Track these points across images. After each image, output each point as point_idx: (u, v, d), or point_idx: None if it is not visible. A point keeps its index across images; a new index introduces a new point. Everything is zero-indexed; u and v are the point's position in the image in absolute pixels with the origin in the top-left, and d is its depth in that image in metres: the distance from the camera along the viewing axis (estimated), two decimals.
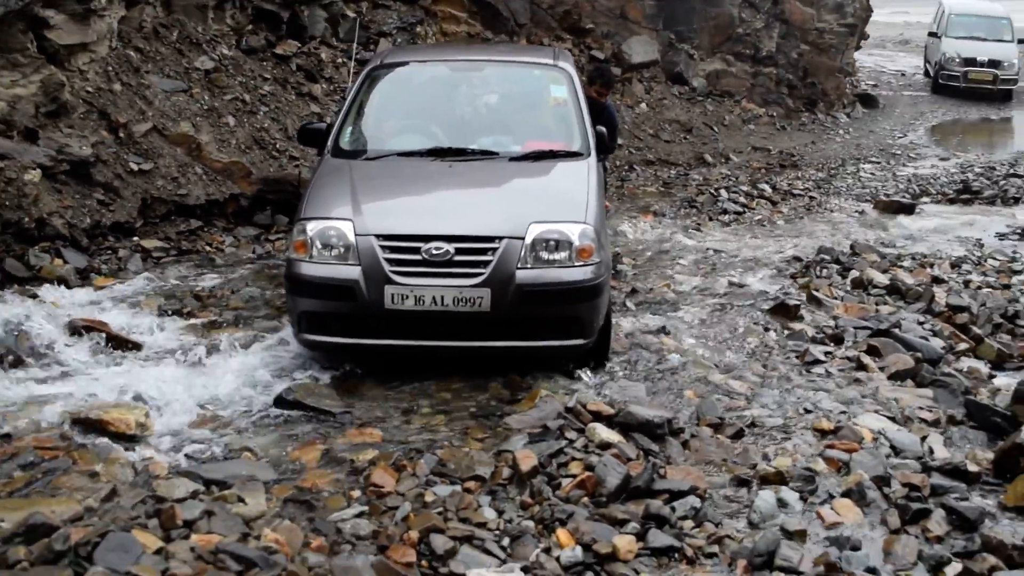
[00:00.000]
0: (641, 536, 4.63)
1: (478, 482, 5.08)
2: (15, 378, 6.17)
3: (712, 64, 19.85)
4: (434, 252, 6.14)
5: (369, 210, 6.48)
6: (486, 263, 6.16)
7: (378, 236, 6.24)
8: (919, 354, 7.14)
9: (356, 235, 6.27)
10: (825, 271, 9.63)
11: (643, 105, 17.56)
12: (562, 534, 4.60)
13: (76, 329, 6.87)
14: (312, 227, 6.41)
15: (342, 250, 6.28)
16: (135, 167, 9.72)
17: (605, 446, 5.39)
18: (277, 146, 11.24)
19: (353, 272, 6.19)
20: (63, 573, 3.87)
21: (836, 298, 8.68)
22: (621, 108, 16.69)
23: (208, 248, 9.58)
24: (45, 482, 4.82)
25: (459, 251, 6.16)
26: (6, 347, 6.44)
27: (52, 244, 8.47)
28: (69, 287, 7.91)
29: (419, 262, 6.16)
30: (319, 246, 6.34)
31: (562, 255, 6.29)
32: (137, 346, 6.88)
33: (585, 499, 4.94)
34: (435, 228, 6.26)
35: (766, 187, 14.21)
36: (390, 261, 6.16)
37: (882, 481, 5.22)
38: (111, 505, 4.56)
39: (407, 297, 6.10)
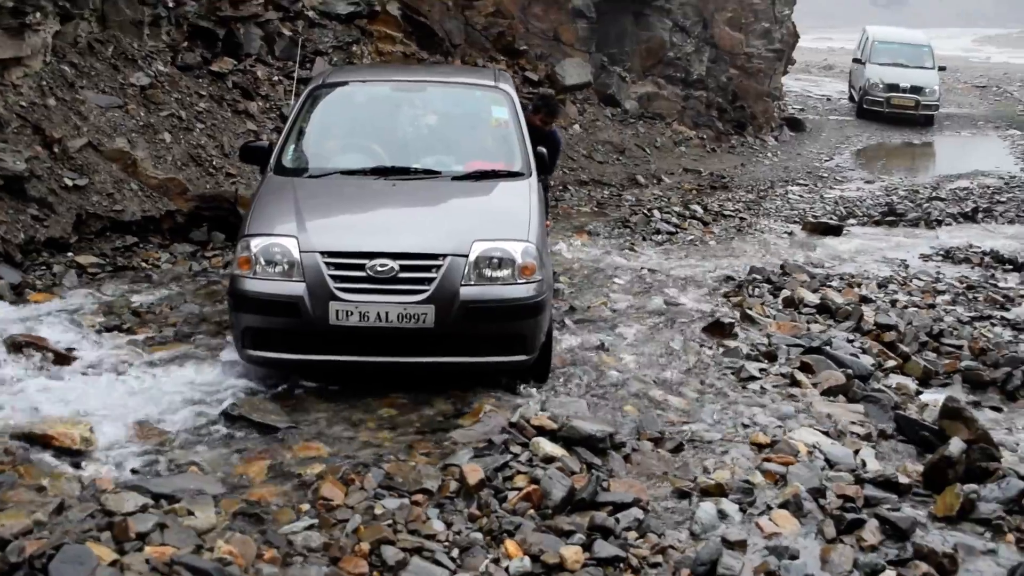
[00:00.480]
0: (587, 547, 4.73)
1: (426, 495, 5.15)
2: None
3: (644, 87, 20.15)
4: (379, 269, 6.18)
5: (314, 227, 6.49)
6: (430, 280, 6.21)
7: (323, 253, 6.25)
8: (850, 371, 7.35)
9: (301, 251, 6.28)
10: (757, 290, 9.84)
11: (576, 126, 17.76)
12: (510, 545, 4.69)
13: (14, 345, 6.80)
14: (256, 243, 6.40)
15: (286, 267, 6.29)
16: (70, 183, 9.63)
17: (549, 460, 5.48)
18: (213, 163, 11.20)
19: (298, 288, 6.21)
20: None
21: (769, 316, 8.88)
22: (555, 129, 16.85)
23: (144, 264, 9.52)
24: None
25: (404, 268, 6.21)
26: None
27: None
28: (3, 302, 7.82)
29: (364, 278, 6.19)
30: (263, 262, 6.33)
31: (505, 272, 6.36)
32: (76, 361, 6.83)
33: (531, 511, 5.03)
34: (380, 245, 6.30)
35: (698, 208, 14.46)
36: (335, 278, 6.19)
37: (818, 493, 5.39)
38: (61, 519, 4.55)
39: (352, 313, 6.14)
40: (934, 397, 7.14)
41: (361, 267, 6.20)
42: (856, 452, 6.01)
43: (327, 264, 6.21)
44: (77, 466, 5.29)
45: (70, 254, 9.22)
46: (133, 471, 5.32)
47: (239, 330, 6.43)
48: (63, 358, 6.82)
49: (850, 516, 5.12)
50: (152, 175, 10.44)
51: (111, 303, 8.23)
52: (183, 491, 4.97)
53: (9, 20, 9.73)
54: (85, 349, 7.10)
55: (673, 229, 13.05)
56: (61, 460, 5.30)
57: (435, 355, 6.33)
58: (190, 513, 4.72)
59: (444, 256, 6.26)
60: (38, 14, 10.11)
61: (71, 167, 9.80)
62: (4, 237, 8.65)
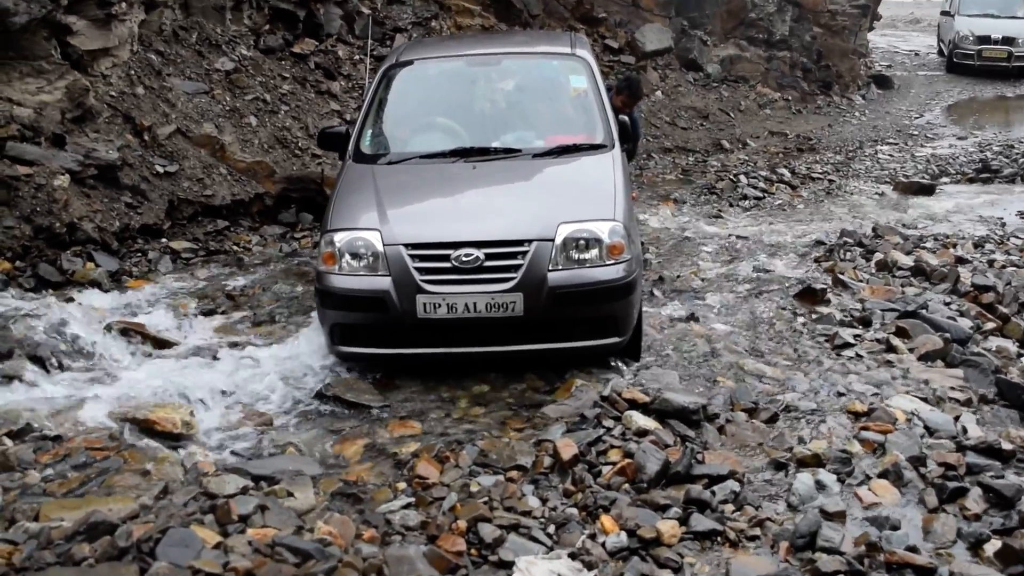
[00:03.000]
0: (683, 521, 4.71)
1: (520, 471, 5.17)
2: (59, 380, 6.28)
3: (726, 50, 19.88)
4: (464, 259, 6.10)
5: (396, 218, 6.44)
6: (517, 267, 6.12)
7: (407, 245, 6.20)
8: (947, 335, 7.19)
9: (384, 245, 6.23)
10: (849, 254, 9.66)
11: (658, 93, 17.58)
12: (606, 520, 4.69)
13: (114, 331, 6.97)
14: (340, 238, 6.38)
15: (371, 260, 6.25)
16: (161, 169, 9.82)
17: (642, 433, 5.46)
18: (299, 144, 11.33)
19: (383, 283, 6.17)
20: (128, 568, 3.97)
21: (861, 281, 8.72)
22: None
23: (236, 248, 9.68)
24: (99, 481, 4.94)
25: (489, 256, 6.13)
26: (47, 350, 6.54)
27: (83, 248, 8.58)
28: (103, 290, 8.02)
29: (449, 269, 6.12)
30: (348, 257, 6.31)
31: (593, 254, 6.24)
32: (175, 345, 6.99)
33: (626, 485, 5.02)
34: (464, 234, 6.21)
35: (785, 172, 14.24)
36: (420, 270, 6.13)
37: (918, 461, 5.29)
38: (165, 502, 4.67)
39: (439, 306, 6.09)
40: None
41: (446, 258, 6.13)
42: (956, 418, 5.89)
43: (412, 256, 6.16)
44: (179, 450, 5.42)
45: (164, 240, 9.41)
46: (233, 453, 5.44)
47: (327, 326, 6.45)
48: (162, 343, 6.98)
49: (952, 485, 5.02)
50: (240, 159, 10.60)
51: (205, 287, 8.40)
52: (282, 472, 5.06)
53: (96, 11, 9.92)
54: (182, 333, 7.25)
55: (760, 194, 12.89)
56: (164, 444, 5.43)
57: (526, 343, 6.25)
58: (290, 494, 4.81)
59: (530, 241, 6.16)
60: (124, 4, 10.29)
61: (161, 154, 9.99)
62: (100, 225, 8.86)
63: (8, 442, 5.34)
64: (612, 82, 9.89)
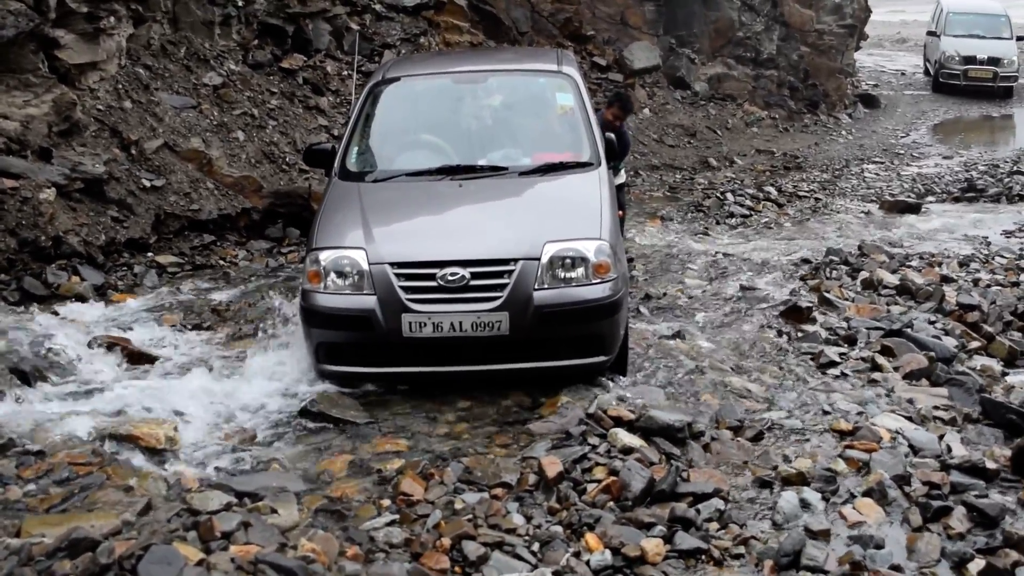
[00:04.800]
0: (668, 539, 4.69)
1: (505, 489, 5.15)
2: (42, 394, 6.27)
3: (713, 68, 19.98)
4: (450, 278, 6.08)
5: (382, 237, 6.40)
6: (503, 286, 6.10)
7: (392, 264, 6.17)
8: (932, 353, 7.22)
9: (370, 264, 6.20)
10: (835, 272, 9.70)
11: (646, 110, 17.65)
12: (591, 538, 4.67)
13: (98, 345, 6.95)
14: (325, 256, 6.34)
15: (356, 279, 6.22)
16: (147, 184, 9.82)
17: (628, 451, 5.45)
18: (287, 159, 11.33)
19: (369, 302, 6.14)
20: None
21: (847, 299, 8.75)
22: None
23: (222, 262, 9.68)
24: (82, 497, 4.89)
25: (475, 275, 6.10)
26: (31, 364, 6.52)
27: (69, 262, 8.58)
28: (87, 303, 7.99)
29: (435, 288, 6.10)
30: (333, 276, 6.28)
31: (579, 273, 6.22)
32: (159, 360, 6.96)
33: (611, 503, 5.01)
34: (450, 253, 6.19)
35: (772, 190, 14.31)
36: (406, 289, 6.10)
37: (902, 480, 5.30)
38: (148, 519, 4.64)
39: (425, 325, 6.06)
40: (1021, 378, 7.00)
41: (432, 276, 6.11)
42: (941, 437, 5.89)
43: (397, 275, 6.13)
44: (162, 465, 5.38)
45: (150, 254, 9.41)
46: (217, 469, 5.40)
47: (313, 344, 6.41)
48: (146, 357, 6.95)
49: (936, 503, 5.02)
50: (227, 173, 10.60)
51: (191, 302, 8.39)
52: (265, 489, 5.03)
53: (84, 25, 9.93)
54: (166, 348, 7.24)
55: (747, 212, 12.95)
56: (147, 460, 5.40)
57: (512, 362, 6.22)
58: (273, 511, 4.78)
59: (516, 260, 6.14)
60: (112, 18, 10.30)
61: (148, 168, 9.98)
62: (86, 239, 8.84)
63: None
64: (600, 100, 9.94)
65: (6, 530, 4.53)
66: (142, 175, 9.84)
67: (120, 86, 10.49)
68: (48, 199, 8.65)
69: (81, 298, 8.04)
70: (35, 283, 8.10)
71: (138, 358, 6.92)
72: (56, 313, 7.58)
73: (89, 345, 6.96)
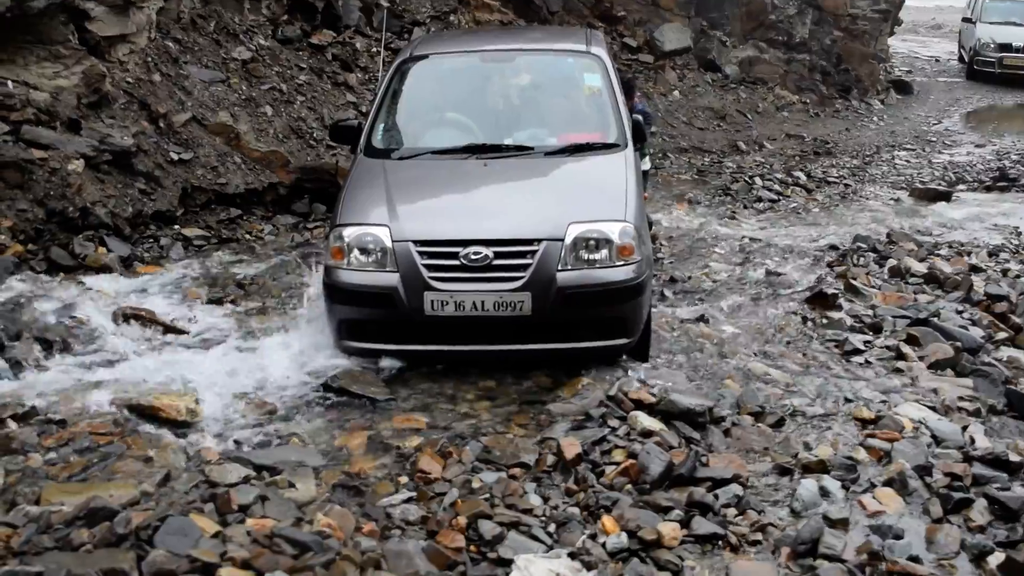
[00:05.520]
0: (685, 523, 4.68)
1: (523, 469, 5.16)
2: (64, 364, 6.31)
3: (745, 51, 19.80)
4: (473, 257, 6.07)
5: (405, 215, 6.40)
6: (526, 266, 6.08)
7: (415, 242, 6.16)
8: (958, 343, 7.14)
9: (393, 241, 6.19)
10: (862, 260, 9.61)
11: (676, 93, 17.54)
12: (607, 521, 4.67)
13: (123, 316, 6.98)
14: (348, 233, 6.34)
15: (379, 256, 6.21)
16: (175, 157, 9.85)
17: (647, 434, 5.44)
18: (314, 135, 11.33)
19: (391, 279, 6.14)
20: (126, 555, 3.97)
21: (874, 287, 8.67)
22: (654, 96, 16.72)
23: (248, 236, 9.70)
24: (101, 467, 4.95)
25: (498, 255, 6.09)
26: (55, 334, 6.56)
27: (96, 233, 8.61)
28: (113, 275, 8.03)
29: (458, 267, 6.09)
30: (356, 253, 6.27)
31: (602, 254, 6.19)
32: (183, 333, 7.00)
33: (629, 486, 5.00)
34: (473, 232, 6.18)
35: (801, 175, 14.18)
36: (428, 267, 6.10)
37: (924, 470, 5.25)
38: (166, 490, 4.68)
39: (447, 303, 6.05)
40: None
41: (455, 255, 6.09)
42: (964, 428, 5.83)
43: (420, 253, 6.12)
44: (183, 437, 5.41)
45: (176, 227, 9.44)
46: (236, 442, 5.43)
47: (335, 321, 6.42)
48: (170, 329, 6.99)
49: (957, 495, 4.98)
50: (254, 148, 10.61)
51: (216, 275, 8.42)
52: (284, 463, 5.06)
53: None
54: (191, 320, 7.26)
55: (775, 197, 12.84)
56: (167, 431, 5.43)
57: (533, 342, 6.21)
58: (291, 485, 4.80)
59: (539, 241, 6.12)
60: None
61: (176, 141, 10.01)
62: (113, 211, 8.88)
63: (13, 425, 5.36)
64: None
65: (26, 497, 4.58)
66: (170, 148, 9.87)
67: (149, 59, 10.51)
68: (76, 170, 8.69)
69: (107, 269, 8.07)
70: (62, 253, 8.14)
71: (162, 330, 6.95)
72: (82, 284, 7.62)
73: (113, 317, 7.00)
